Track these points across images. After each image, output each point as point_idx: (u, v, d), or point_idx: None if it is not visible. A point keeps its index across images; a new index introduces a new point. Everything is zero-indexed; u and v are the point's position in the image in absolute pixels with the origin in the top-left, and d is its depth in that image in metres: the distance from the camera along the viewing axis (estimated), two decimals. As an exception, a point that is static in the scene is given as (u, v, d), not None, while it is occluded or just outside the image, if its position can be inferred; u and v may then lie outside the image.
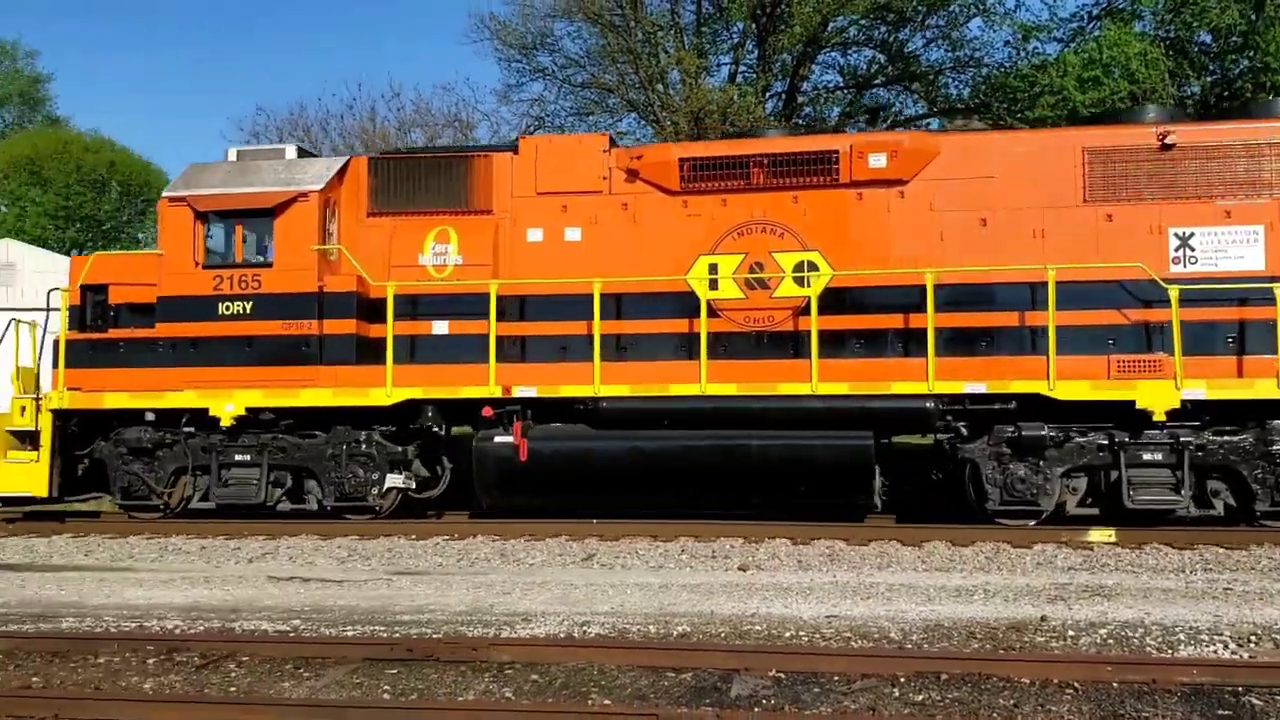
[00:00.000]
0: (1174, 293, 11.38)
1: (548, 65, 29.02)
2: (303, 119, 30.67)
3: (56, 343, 13.38)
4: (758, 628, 7.58)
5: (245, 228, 13.24)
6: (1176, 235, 12.02)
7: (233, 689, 6.24)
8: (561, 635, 7.43)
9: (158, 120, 79.26)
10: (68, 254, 27.49)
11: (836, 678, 6.22)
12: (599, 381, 12.34)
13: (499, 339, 12.58)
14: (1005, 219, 12.28)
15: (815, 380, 11.94)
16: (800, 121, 26.06)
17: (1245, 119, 12.54)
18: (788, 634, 7.40)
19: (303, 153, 13.91)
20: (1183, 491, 11.49)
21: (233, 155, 13.82)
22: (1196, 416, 11.59)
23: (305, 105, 44.90)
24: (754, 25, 26.68)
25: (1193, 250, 12.03)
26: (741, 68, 27.70)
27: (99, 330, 13.42)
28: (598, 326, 12.32)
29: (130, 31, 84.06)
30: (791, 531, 11.71)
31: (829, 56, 27.97)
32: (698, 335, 12.26)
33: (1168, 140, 12.10)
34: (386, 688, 6.26)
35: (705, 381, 12.18)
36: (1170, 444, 11.62)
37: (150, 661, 6.79)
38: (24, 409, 13.25)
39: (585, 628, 7.64)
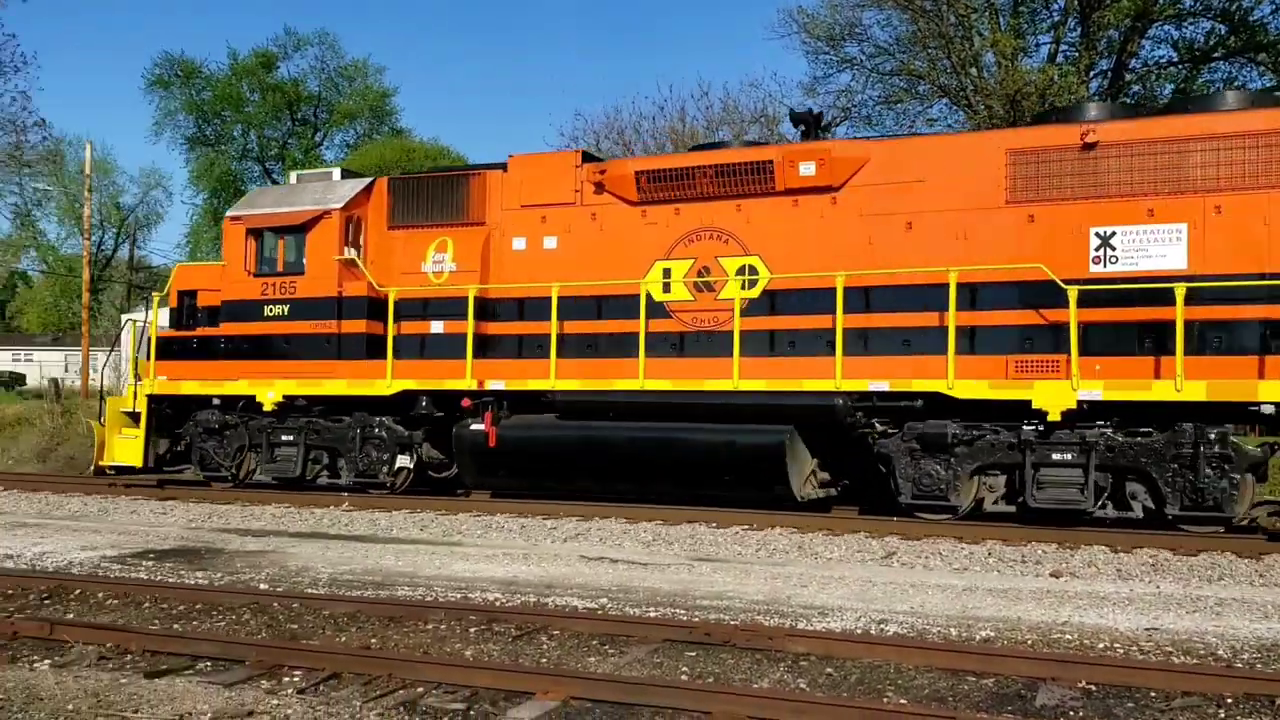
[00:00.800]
0: (1072, 293, 11.42)
1: (855, 55, 28.68)
2: (617, 121, 31.83)
3: (156, 339, 16.13)
4: (1068, 637, 7.21)
5: (285, 242, 15.47)
6: (1097, 235, 11.89)
7: (543, 659, 6.64)
8: (858, 631, 7.38)
9: (486, 125, 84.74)
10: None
11: (1154, 693, 5.83)
12: (554, 376, 13.81)
13: (481, 337, 14.44)
14: (931, 222, 12.56)
15: (736, 377, 12.91)
16: (1129, 99, 24.36)
17: (1174, 114, 12.37)
18: (1101, 645, 7.00)
19: (348, 174, 16.22)
20: (1085, 492, 11.47)
21: (293, 179, 16.55)
22: (1140, 419, 11.47)
23: (620, 109, 46.59)
24: (1076, 1, 25.19)
25: (1113, 250, 11.85)
26: (1062, 46, 26.26)
27: (188, 329, 16.16)
28: (554, 326, 13.81)
29: (464, 45, 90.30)
30: (1111, 539, 11.02)
31: (1161, 30, 26.02)
32: (654, 334, 13.54)
33: (1089, 139, 11.95)
34: (685, 669, 6.46)
35: (643, 377, 13.39)
36: (1079, 444, 11.61)
37: (472, 630, 7.33)
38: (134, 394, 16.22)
39: (883, 625, 7.55)
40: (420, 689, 5.89)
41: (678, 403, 13.30)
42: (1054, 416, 11.56)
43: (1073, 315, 11.42)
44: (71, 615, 7.69)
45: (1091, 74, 25.20)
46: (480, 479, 14.54)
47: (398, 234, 15.20)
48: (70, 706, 5.41)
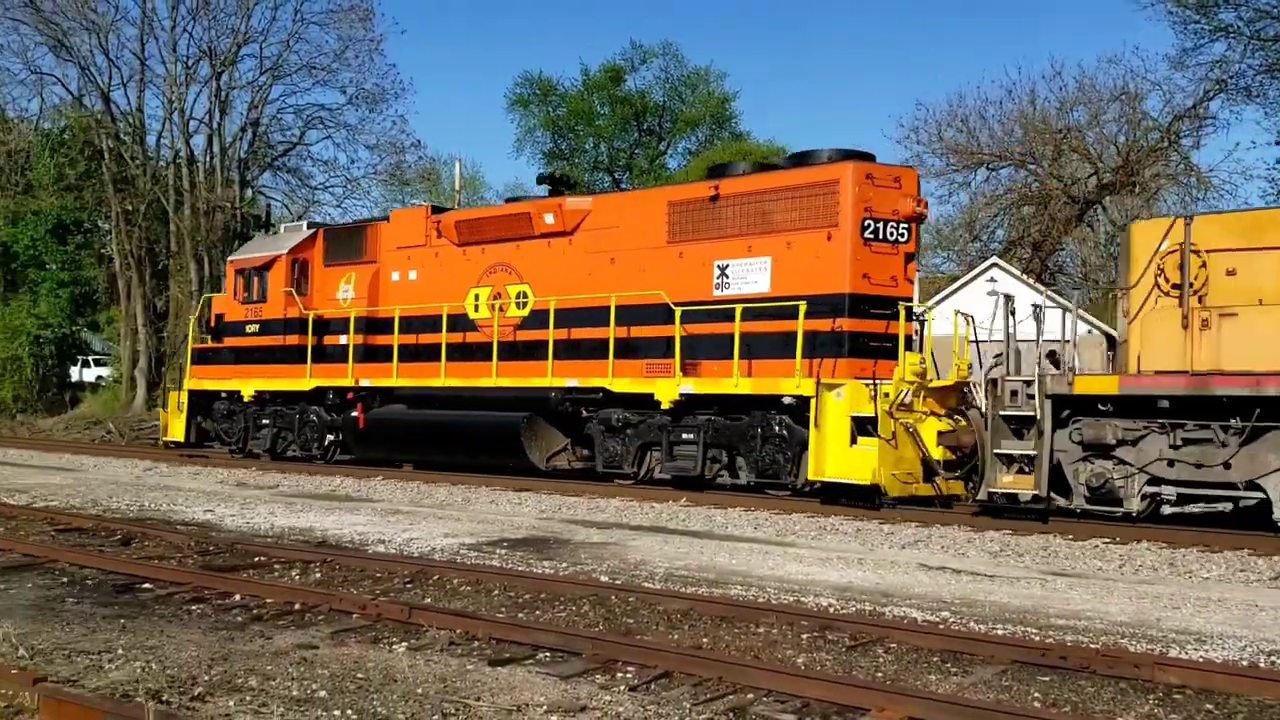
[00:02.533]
0: (677, 313, 15.30)
1: (1231, 22, 25.90)
2: (960, 109, 30.54)
3: (192, 350, 23.02)
4: None
5: (257, 278, 21.23)
6: (718, 266, 15.42)
7: (879, 674, 6.30)
8: (1243, 663, 6.50)
9: (827, 115, 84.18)
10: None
11: None
12: (395, 376, 18.94)
13: (370, 347, 19.68)
14: (625, 258, 16.40)
15: (494, 376, 17.65)
16: None
17: (767, 172, 15.82)
18: None
19: (312, 226, 21.88)
20: (698, 463, 15.15)
21: (282, 230, 23.14)
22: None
23: (964, 95, 44.72)
24: None
25: (727, 278, 15.35)
26: None
27: (216, 342, 22.30)
28: (396, 339, 18.88)
29: (801, 37, 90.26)
30: None
31: None
32: (467, 345, 18.25)
33: (714, 193, 15.54)
34: (1037, 695, 5.92)
35: (444, 376, 18.27)
36: (696, 426, 15.21)
37: (804, 637, 7.10)
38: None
39: (1274, 658, 6.61)
40: (750, 695, 5.74)
41: (466, 395, 18.04)
42: (665, 405, 15.37)
43: (677, 330, 15.29)
44: (429, 600, 8.19)
45: None
46: (358, 451, 19.88)
47: (329, 270, 20.68)
48: (419, 690, 5.69)
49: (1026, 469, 12.42)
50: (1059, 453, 12.25)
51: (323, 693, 5.62)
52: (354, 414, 19.49)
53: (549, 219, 17.39)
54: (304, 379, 20.20)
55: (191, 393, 22.65)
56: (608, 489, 15.75)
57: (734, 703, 5.64)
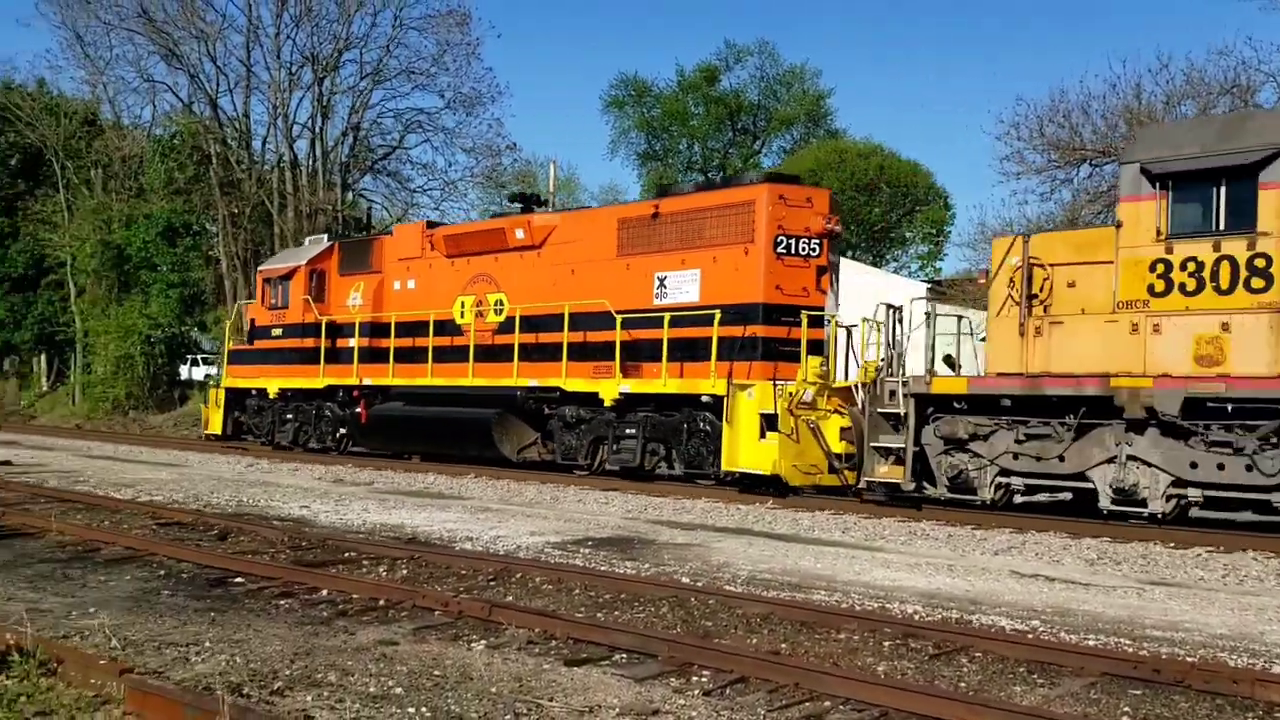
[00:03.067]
0: (618, 319, 16.87)
1: (1353, 6, 24.74)
2: (1063, 104, 29.76)
3: (228, 352, 25.52)
4: None
5: (281, 287, 23.61)
6: (658, 278, 17.05)
7: (962, 684, 6.15)
8: (1353, 682, 6.17)
9: (916, 125, 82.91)
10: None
11: None
12: (391, 376, 21.01)
13: (374, 349, 21.63)
14: (582, 269, 18.08)
15: (471, 376, 19.52)
16: None
17: (703, 192, 17.47)
18: None
19: (335, 238, 25.09)
20: (636, 455, 16.72)
21: (306, 242, 25.61)
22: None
23: (1066, 90, 43.56)
24: None
25: (665, 288, 16.98)
26: None
27: (247, 345, 24.64)
28: (392, 341, 21.09)
29: (894, 33, 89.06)
30: None
31: None
32: (453, 347, 20.03)
33: (656, 211, 17.19)
34: (1126, 709, 5.71)
35: (431, 376, 20.22)
36: (637, 423, 16.79)
37: (886, 645, 6.96)
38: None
39: (1387, 678, 6.27)
40: (827, 703, 5.64)
41: (450, 393, 19.83)
42: (608, 403, 17.00)
43: (617, 335, 16.81)
44: (510, 598, 8.24)
45: None
46: (363, 443, 22.09)
47: (343, 279, 22.87)
48: (494, 689, 5.72)
49: (901, 461, 13.86)
50: (926, 446, 13.70)
51: (399, 690, 5.68)
52: (358, 410, 21.73)
53: (520, 234, 19.19)
54: (318, 378, 22.38)
55: (228, 390, 25.22)
56: (694, 490, 15.71)
57: (810, 710, 5.55)
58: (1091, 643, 7.05)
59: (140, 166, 40.36)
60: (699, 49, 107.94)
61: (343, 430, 22.51)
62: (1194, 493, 11.83)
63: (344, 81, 39.01)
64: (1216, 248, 11.65)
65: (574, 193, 77.35)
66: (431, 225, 22.08)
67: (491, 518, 13.10)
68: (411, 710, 5.35)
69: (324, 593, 8.25)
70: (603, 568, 9.65)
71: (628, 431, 17.01)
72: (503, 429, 18.79)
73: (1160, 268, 12.01)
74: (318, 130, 38.13)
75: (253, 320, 24.75)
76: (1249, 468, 11.29)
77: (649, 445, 16.82)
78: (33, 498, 14.28)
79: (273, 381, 23.63)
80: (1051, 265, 12.92)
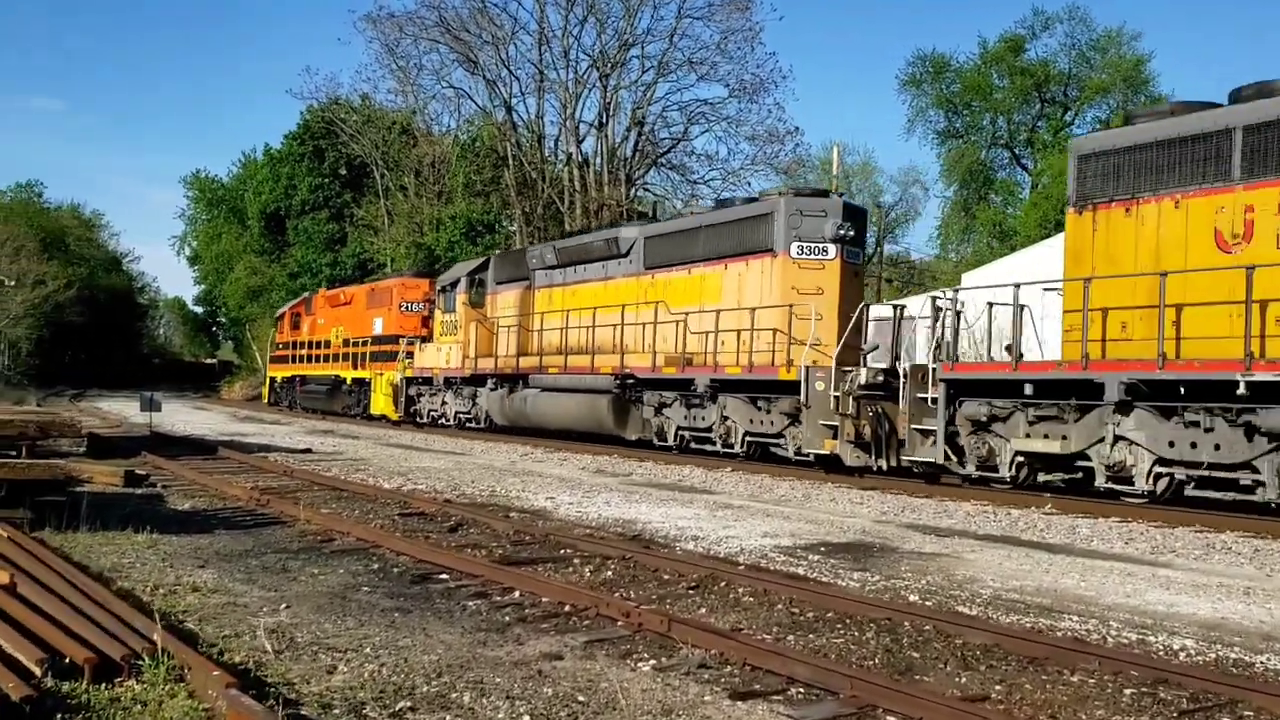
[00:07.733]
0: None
1: None
2: None
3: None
4: None
5: (293, 315, 42.43)
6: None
7: (1219, 753, 4.87)
8: None
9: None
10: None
11: None
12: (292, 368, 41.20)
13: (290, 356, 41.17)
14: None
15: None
16: None
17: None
18: None
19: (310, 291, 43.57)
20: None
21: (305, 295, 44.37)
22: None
23: None
24: None
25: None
26: None
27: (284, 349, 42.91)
28: (293, 352, 40.50)
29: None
30: None
31: None
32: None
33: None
34: None
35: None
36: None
37: (1128, 692, 5.68)
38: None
39: None
40: (1026, 768, 4.57)
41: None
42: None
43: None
44: (703, 610, 7.52)
45: None
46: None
47: (309, 317, 40.65)
48: (629, 722, 5.05)
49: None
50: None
51: (526, 718, 5.12)
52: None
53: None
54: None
55: (270, 378, 44.32)
56: (961, 492, 14.37)
57: (1002, 777, 4.51)
58: None
59: (446, 171, 42.57)
60: (997, 22, 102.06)
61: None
62: None
63: (628, 76, 39.48)
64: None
65: (870, 178, 75.20)
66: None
67: (729, 515, 12.42)
68: (527, 744, 4.78)
69: (516, 594, 7.86)
70: (825, 578, 8.74)
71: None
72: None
73: None
74: (604, 128, 38.77)
75: (278, 340, 42.84)
76: None
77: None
78: (309, 485, 14.96)
79: (289, 372, 41.02)
80: None
